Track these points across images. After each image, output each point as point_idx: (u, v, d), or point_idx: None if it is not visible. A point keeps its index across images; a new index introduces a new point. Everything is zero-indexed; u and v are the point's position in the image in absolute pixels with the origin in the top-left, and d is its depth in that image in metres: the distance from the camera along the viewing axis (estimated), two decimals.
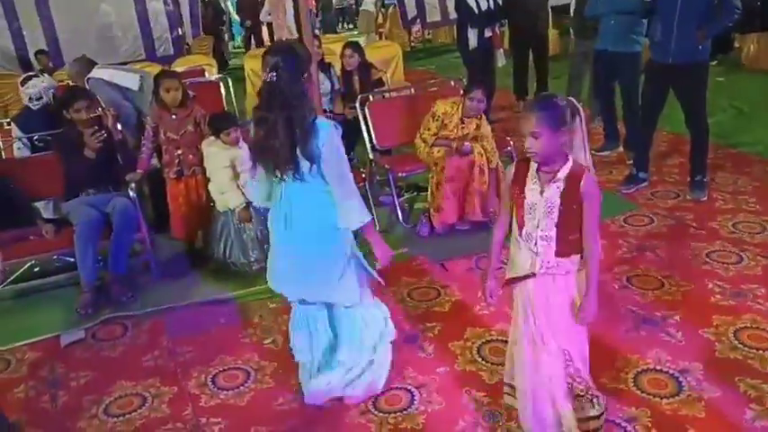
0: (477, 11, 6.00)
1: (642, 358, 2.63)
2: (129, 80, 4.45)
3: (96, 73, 4.44)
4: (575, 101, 1.93)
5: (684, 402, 2.37)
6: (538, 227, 1.97)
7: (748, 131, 5.36)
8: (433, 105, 4.09)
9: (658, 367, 2.57)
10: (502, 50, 6.44)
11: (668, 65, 3.99)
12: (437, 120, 4.04)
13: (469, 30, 6.09)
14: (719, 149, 4.88)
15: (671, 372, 2.53)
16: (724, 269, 3.27)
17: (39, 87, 4.30)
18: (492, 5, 6.11)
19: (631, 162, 4.66)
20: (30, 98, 4.31)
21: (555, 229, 1.95)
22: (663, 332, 2.79)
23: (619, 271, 3.34)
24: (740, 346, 2.65)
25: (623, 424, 2.28)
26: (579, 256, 1.97)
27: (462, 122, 4.02)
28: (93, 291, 3.41)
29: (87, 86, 4.27)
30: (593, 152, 5.14)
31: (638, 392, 2.44)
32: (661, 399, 2.39)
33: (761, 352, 2.60)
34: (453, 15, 7.47)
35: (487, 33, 6.15)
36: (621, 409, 2.35)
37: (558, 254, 1.96)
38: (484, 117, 4.19)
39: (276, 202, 2.32)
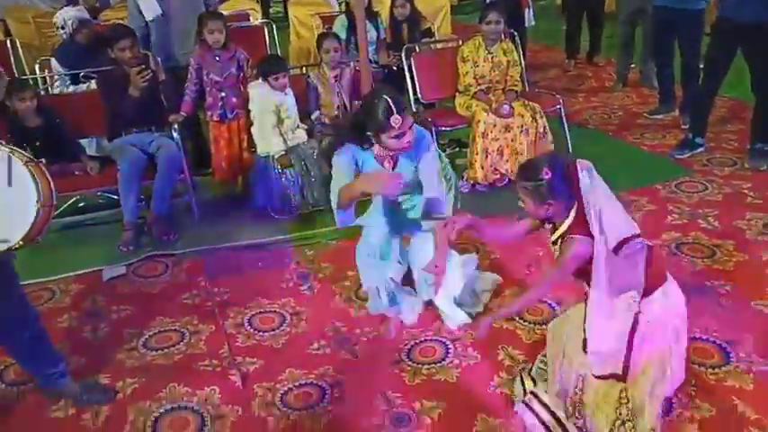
0: None
1: (689, 327, 2.53)
2: (149, 6, 4.06)
3: None
4: None
5: (731, 373, 2.27)
6: None
7: None
8: (458, 53, 4.12)
9: (705, 337, 2.47)
10: (531, 9, 6.06)
11: (742, 23, 3.72)
12: (467, 62, 4.07)
13: None
14: None
15: (718, 342, 2.43)
16: None
17: (62, 16, 4.33)
18: None
19: (686, 126, 4.46)
20: (56, 27, 4.36)
21: None
22: (712, 302, 2.68)
23: (668, 238, 3.21)
24: None
25: None
26: None
27: (489, 52, 4.06)
28: (135, 229, 3.46)
29: None
30: (645, 115, 5.02)
31: None
32: (706, 368, 2.30)
33: None
34: None
35: None
36: None
37: None
38: (511, 43, 4.20)
39: None
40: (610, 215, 1.77)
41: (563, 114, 4.35)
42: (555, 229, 1.90)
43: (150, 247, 3.41)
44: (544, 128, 3.98)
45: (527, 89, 4.47)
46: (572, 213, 1.83)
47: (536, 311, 2.68)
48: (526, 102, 4.03)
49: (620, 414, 1.86)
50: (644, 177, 3.91)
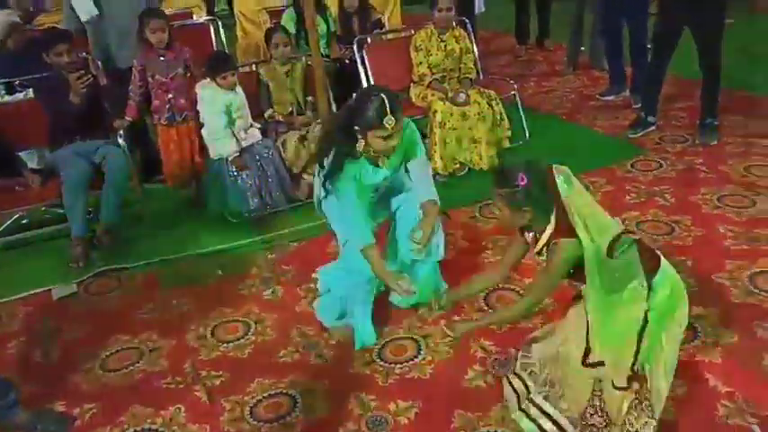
0: None
1: None
2: (82, 6, 3.86)
3: None
4: None
5: (700, 348, 2.30)
6: None
7: (759, 73, 5.17)
8: (411, 42, 4.10)
9: None
10: None
11: None
12: (420, 50, 4.04)
13: None
14: (729, 92, 4.69)
15: None
16: (736, 213, 3.17)
17: None
18: None
19: (638, 106, 4.52)
20: None
21: None
22: None
23: (627, 217, 3.24)
24: (756, 291, 2.57)
25: None
26: None
27: (441, 40, 4.03)
28: (85, 243, 3.29)
29: None
30: (597, 96, 5.07)
31: None
32: None
33: None
34: None
35: None
36: None
37: None
38: (462, 31, 4.18)
39: None
40: (594, 219, 1.74)
41: (518, 100, 4.35)
42: (536, 240, 1.86)
43: (102, 262, 3.24)
44: (501, 114, 3.98)
45: (481, 76, 4.45)
46: (552, 220, 1.79)
47: (505, 300, 2.66)
48: (482, 89, 4.01)
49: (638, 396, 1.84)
50: (600, 158, 3.94)
